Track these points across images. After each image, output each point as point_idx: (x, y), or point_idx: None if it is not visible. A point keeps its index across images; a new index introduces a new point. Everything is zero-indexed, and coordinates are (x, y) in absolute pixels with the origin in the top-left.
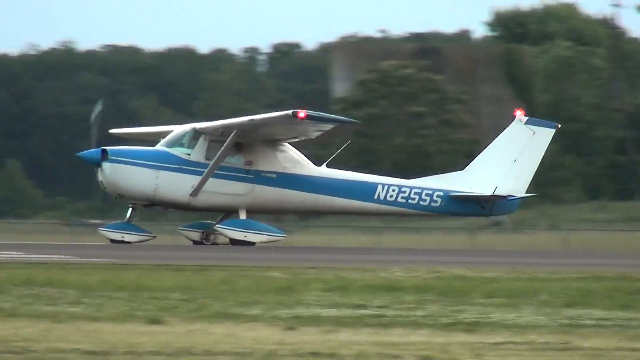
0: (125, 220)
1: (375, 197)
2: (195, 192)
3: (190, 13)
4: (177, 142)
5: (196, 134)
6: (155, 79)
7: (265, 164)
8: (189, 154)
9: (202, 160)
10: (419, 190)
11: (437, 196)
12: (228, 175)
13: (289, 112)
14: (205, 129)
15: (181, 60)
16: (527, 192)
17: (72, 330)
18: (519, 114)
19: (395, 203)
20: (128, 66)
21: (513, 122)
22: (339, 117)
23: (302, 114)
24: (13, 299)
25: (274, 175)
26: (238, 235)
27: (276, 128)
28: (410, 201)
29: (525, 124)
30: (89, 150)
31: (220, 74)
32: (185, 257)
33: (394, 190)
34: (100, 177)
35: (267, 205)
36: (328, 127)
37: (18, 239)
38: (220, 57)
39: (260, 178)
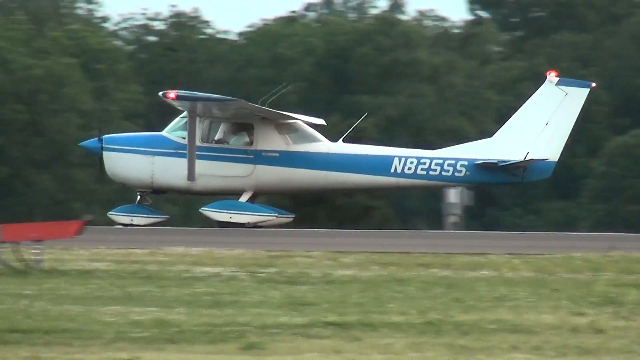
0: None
1: (392, 170)
2: (191, 176)
3: None
4: (177, 126)
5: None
6: None
7: (266, 143)
8: (184, 137)
9: (199, 143)
10: (441, 161)
11: (461, 166)
12: (227, 157)
13: (160, 93)
14: None
15: None
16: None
17: None
18: (551, 74)
19: (414, 176)
20: None
21: (544, 84)
22: (215, 95)
23: (172, 94)
24: None
25: (276, 155)
26: (223, 217)
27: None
28: (431, 172)
29: (556, 84)
30: (89, 140)
31: None
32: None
33: (412, 162)
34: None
35: (272, 186)
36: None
37: None
38: None
39: (261, 158)
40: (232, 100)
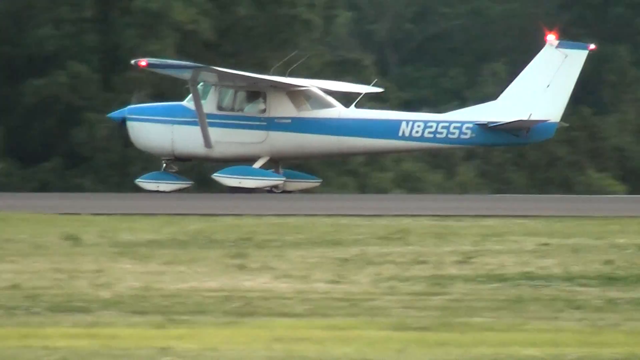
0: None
1: (400, 134)
2: (207, 143)
3: None
4: None
5: (207, 84)
6: None
7: (278, 110)
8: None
9: (215, 111)
10: (447, 124)
11: (467, 128)
12: (242, 124)
13: (132, 61)
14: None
15: None
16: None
17: None
18: (551, 37)
19: (422, 139)
20: None
21: (544, 47)
22: (184, 62)
23: (143, 62)
24: None
25: (288, 121)
26: (232, 182)
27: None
28: (438, 135)
29: (556, 47)
30: (117, 111)
31: None
32: None
33: (419, 126)
34: None
35: (286, 152)
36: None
37: None
38: None
39: (274, 124)
40: (200, 66)
